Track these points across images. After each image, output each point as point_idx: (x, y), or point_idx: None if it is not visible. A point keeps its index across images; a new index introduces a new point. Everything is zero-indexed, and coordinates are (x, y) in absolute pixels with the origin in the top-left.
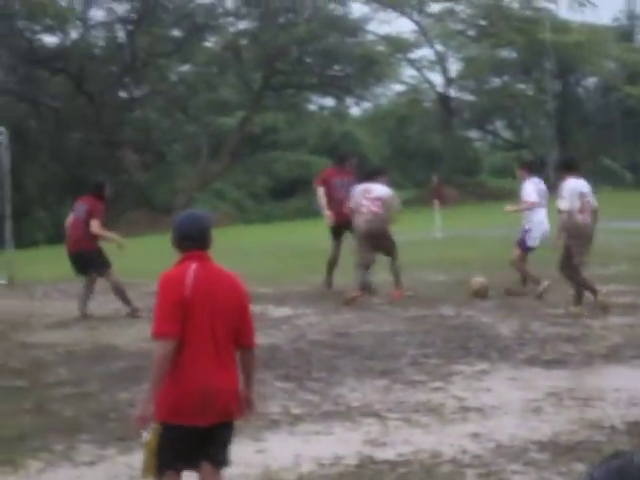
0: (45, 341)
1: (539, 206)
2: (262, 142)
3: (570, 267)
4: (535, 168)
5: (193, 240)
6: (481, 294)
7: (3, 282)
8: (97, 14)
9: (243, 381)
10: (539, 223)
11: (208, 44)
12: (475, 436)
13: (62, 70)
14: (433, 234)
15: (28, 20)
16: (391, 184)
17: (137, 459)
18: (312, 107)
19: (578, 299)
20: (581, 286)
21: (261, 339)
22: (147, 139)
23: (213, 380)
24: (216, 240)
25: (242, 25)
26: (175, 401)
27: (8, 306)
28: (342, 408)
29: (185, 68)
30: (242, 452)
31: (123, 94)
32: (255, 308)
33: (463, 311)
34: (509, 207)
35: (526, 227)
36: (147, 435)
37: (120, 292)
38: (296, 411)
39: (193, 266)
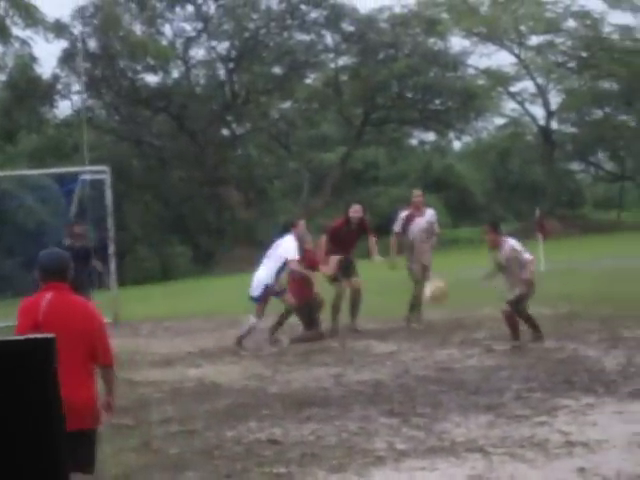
0: (151, 379)
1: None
2: (363, 177)
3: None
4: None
5: (53, 273)
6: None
7: (108, 320)
8: (198, 53)
9: (105, 390)
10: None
11: (308, 80)
12: (581, 471)
13: (164, 109)
14: (537, 267)
15: (130, 60)
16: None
17: None
18: (413, 142)
19: (535, 331)
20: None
21: (365, 375)
22: (249, 176)
23: (68, 394)
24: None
25: (342, 61)
26: None
27: (113, 344)
28: (447, 444)
29: (286, 105)
30: None
31: (225, 132)
32: (359, 344)
33: (567, 344)
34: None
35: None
36: None
37: None
38: (401, 447)
39: (49, 295)
